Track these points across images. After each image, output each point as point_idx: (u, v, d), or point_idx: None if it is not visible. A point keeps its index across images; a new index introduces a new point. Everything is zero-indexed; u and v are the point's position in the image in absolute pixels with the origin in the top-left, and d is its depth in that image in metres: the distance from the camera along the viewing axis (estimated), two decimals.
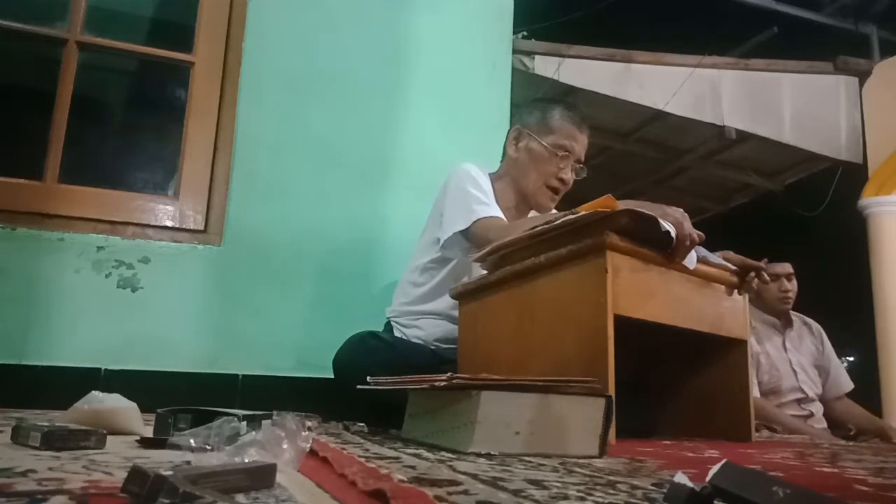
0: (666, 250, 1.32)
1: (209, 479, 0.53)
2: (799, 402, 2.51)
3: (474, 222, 1.61)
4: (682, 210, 1.34)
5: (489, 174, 1.80)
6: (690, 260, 1.37)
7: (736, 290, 1.53)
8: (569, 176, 1.76)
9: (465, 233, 1.63)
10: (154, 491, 0.48)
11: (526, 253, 1.38)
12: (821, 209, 4.82)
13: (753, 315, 2.58)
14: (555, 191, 1.76)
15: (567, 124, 1.75)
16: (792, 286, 2.60)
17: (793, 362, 2.56)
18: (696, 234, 1.34)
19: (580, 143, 1.76)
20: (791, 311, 2.64)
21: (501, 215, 1.65)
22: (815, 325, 2.71)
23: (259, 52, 2.20)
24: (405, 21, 2.39)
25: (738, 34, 4.90)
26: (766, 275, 1.53)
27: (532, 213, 1.85)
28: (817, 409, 2.54)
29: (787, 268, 2.62)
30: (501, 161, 1.87)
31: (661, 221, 1.27)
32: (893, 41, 5.05)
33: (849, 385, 2.65)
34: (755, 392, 2.45)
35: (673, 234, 1.29)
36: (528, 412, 0.96)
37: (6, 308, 1.84)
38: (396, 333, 1.79)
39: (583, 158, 1.78)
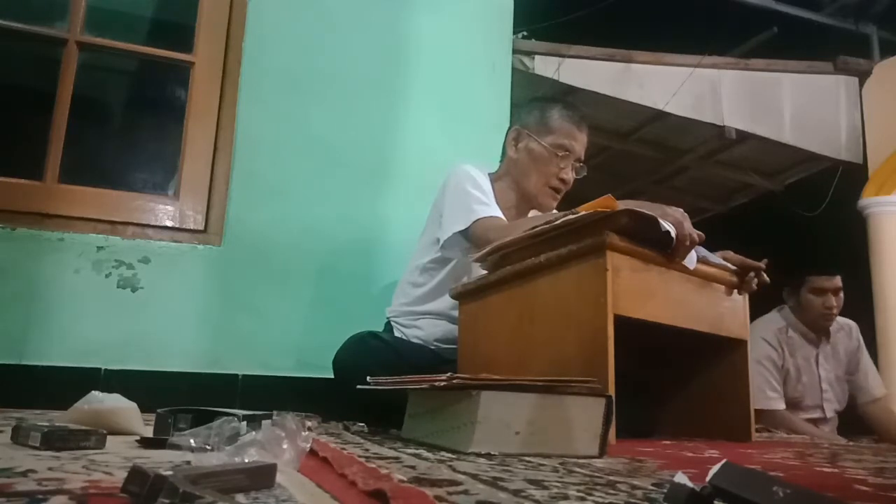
0: (666, 250, 1.32)
1: (209, 479, 0.53)
2: (816, 421, 2.46)
3: (474, 222, 1.61)
4: (682, 210, 1.34)
5: (489, 174, 1.80)
6: (690, 260, 1.37)
7: (736, 291, 1.53)
8: (569, 175, 1.75)
9: (464, 233, 1.63)
10: (154, 491, 0.48)
11: (526, 253, 1.38)
12: (821, 209, 4.81)
13: (790, 323, 2.52)
14: (556, 190, 1.76)
15: (566, 123, 1.75)
16: (838, 301, 2.44)
17: (822, 378, 2.48)
18: (696, 234, 1.34)
19: (580, 142, 1.76)
20: None
21: (501, 215, 1.65)
22: (854, 327, 2.59)
23: (259, 52, 2.20)
24: (405, 21, 2.39)
25: (738, 34, 4.89)
26: (764, 275, 1.53)
27: (532, 213, 1.85)
28: (832, 427, 2.50)
29: (835, 282, 2.44)
30: (501, 161, 1.87)
31: (661, 221, 1.27)
32: (893, 41, 5.04)
33: (878, 390, 2.56)
34: (779, 405, 2.40)
35: (673, 234, 1.29)
36: (528, 412, 0.96)
37: (6, 308, 1.84)
38: (396, 333, 1.79)
39: (583, 157, 1.77)
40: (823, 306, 2.45)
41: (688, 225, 1.33)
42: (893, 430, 2.49)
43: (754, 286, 1.53)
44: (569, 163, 1.75)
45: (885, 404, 2.60)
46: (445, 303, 1.69)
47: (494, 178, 1.81)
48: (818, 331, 2.51)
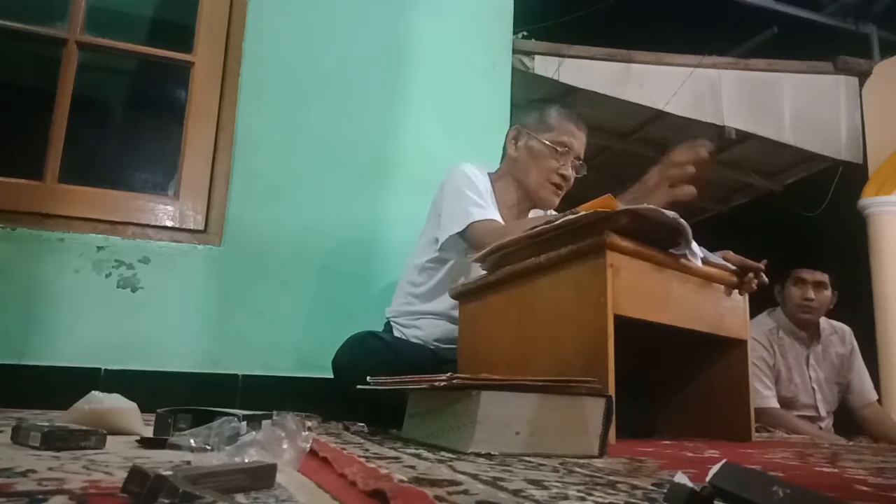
0: (676, 242, 1.32)
1: (209, 479, 0.53)
2: (812, 419, 2.48)
3: (469, 225, 1.62)
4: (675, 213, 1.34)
5: (489, 174, 1.81)
6: (696, 256, 1.37)
7: (736, 291, 1.52)
8: (569, 172, 1.77)
9: (461, 235, 1.64)
10: (154, 491, 0.48)
11: (526, 253, 1.38)
12: (821, 209, 4.81)
13: (780, 324, 2.53)
14: (557, 186, 1.77)
15: (565, 121, 1.78)
16: (818, 296, 2.47)
17: (812, 379, 2.50)
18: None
19: (578, 140, 1.78)
20: (822, 318, 2.54)
21: (498, 217, 1.66)
22: (848, 332, 2.60)
23: (259, 52, 2.20)
24: (405, 21, 2.39)
25: (738, 34, 4.89)
26: (764, 276, 1.53)
27: (532, 213, 1.85)
28: (826, 425, 2.51)
29: (816, 275, 2.49)
30: (501, 161, 1.87)
31: (664, 211, 1.26)
32: (893, 41, 5.04)
33: (873, 395, 2.59)
34: (773, 403, 2.41)
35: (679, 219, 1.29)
36: (528, 412, 0.96)
37: (6, 308, 1.84)
38: (396, 334, 1.79)
39: (581, 155, 1.80)
40: (802, 298, 2.47)
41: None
42: (889, 431, 2.50)
43: (754, 286, 1.53)
44: (568, 159, 1.77)
45: (878, 408, 2.62)
46: (445, 302, 1.69)
47: (495, 177, 1.82)
48: (805, 326, 2.53)
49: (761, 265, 1.51)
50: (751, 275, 1.51)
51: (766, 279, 1.53)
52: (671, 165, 1.45)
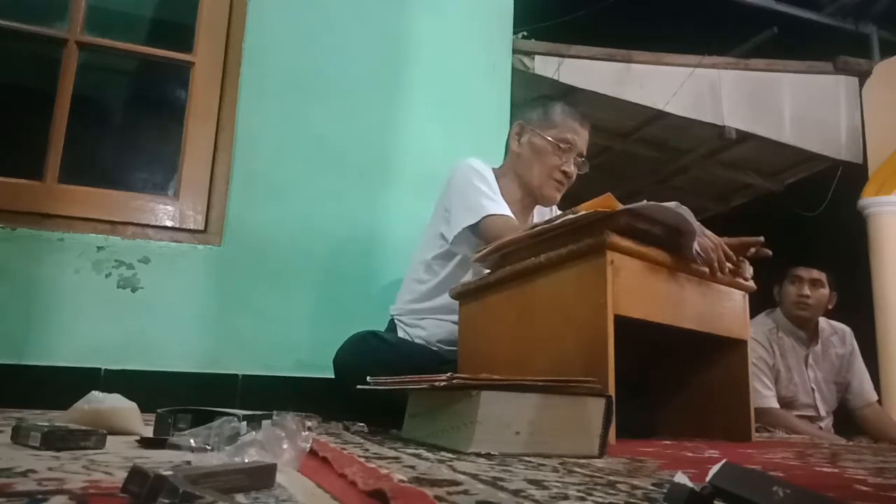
0: (679, 243, 1.32)
1: (209, 479, 0.53)
2: (811, 419, 2.49)
3: (483, 218, 1.61)
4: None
5: (493, 169, 1.81)
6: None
7: (740, 293, 1.52)
8: (571, 169, 1.78)
9: (473, 228, 1.63)
10: (154, 491, 0.48)
11: (526, 253, 1.38)
12: (821, 209, 4.81)
13: (780, 325, 2.54)
14: (559, 182, 1.78)
15: (568, 119, 1.79)
16: (814, 293, 2.49)
17: (811, 379, 2.51)
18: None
19: (581, 137, 1.79)
20: (822, 318, 2.56)
21: (509, 212, 1.65)
22: (848, 332, 2.61)
23: (259, 52, 2.20)
24: (405, 21, 2.39)
25: (738, 34, 4.89)
26: (766, 249, 1.51)
27: (538, 209, 1.86)
28: (826, 425, 2.52)
29: (812, 273, 2.51)
30: (505, 157, 1.88)
31: (664, 206, 1.26)
32: (893, 41, 5.04)
33: (873, 395, 2.60)
34: (773, 403, 2.42)
35: (690, 219, 1.29)
36: (528, 412, 0.96)
37: (6, 308, 1.84)
38: (400, 333, 1.78)
39: (584, 152, 1.81)
40: (797, 294, 2.49)
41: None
42: (888, 431, 2.50)
43: (762, 255, 1.51)
44: (571, 156, 1.77)
45: (878, 408, 2.63)
46: (450, 299, 1.68)
47: (499, 174, 1.82)
48: (803, 325, 2.53)
49: (760, 238, 1.49)
50: (752, 250, 1.50)
51: (768, 252, 1.52)
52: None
